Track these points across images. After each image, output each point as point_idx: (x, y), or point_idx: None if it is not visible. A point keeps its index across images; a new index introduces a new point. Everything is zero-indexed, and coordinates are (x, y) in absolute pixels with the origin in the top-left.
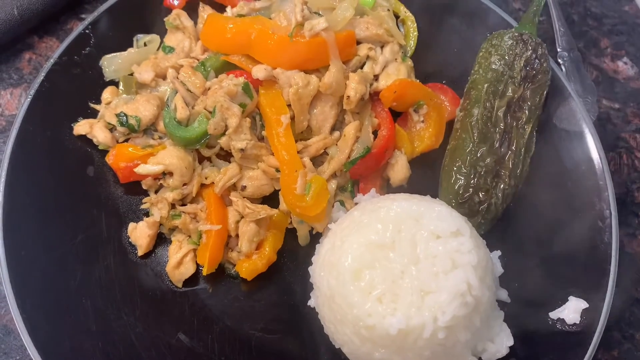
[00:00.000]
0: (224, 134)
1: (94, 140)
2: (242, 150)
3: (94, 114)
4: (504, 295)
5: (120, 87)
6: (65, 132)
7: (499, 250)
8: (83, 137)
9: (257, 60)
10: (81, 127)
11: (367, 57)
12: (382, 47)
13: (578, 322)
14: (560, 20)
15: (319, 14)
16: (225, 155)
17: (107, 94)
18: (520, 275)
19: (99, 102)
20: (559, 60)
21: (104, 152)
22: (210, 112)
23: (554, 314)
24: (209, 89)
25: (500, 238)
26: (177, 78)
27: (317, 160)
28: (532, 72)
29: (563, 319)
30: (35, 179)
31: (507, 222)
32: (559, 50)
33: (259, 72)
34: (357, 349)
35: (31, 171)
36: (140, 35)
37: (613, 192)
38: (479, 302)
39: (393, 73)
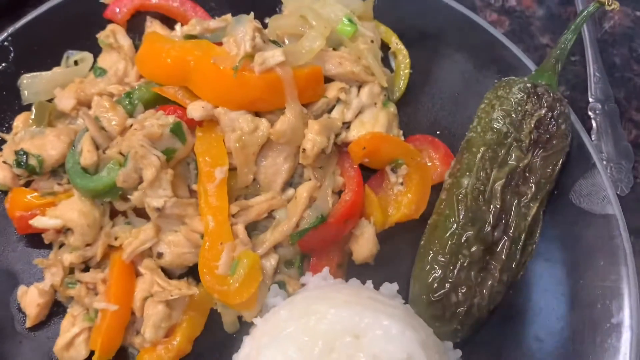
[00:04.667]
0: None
1: None
2: (158, 209)
3: (2, 145)
4: None
5: (32, 115)
6: None
7: None
8: None
9: (197, 95)
10: None
11: (338, 99)
12: (359, 87)
13: None
14: (596, 62)
15: (278, 44)
16: (146, 213)
17: (19, 121)
18: None
19: (11, 130)
20: (590, 114)
21: (6, 193)
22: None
23: None
24: (131, 126)
25: (480, 348)
26: (88, 112)
27: (261, 224)
28: (546, 136)
29: None
30: None
31: (492, 328)
32: (591, 100)
33: (194, 110)
34: None
35: None
36: (72, 52)
37: (638, 301)
38: None
39: (369, 121)
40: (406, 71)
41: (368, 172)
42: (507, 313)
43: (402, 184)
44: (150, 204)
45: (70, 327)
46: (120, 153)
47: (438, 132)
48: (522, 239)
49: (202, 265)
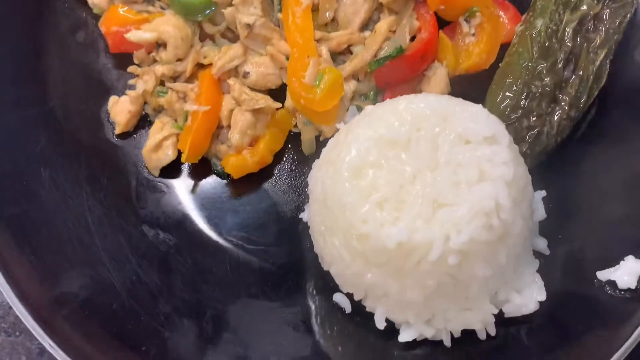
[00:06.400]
0: (231, 4)
1: (89, 2)
2: (249, 25)
3: None
4: (542, 244)
5: None
6: None
7: (543, 191)
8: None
9: None
10: None
11: None
12: None
13: (633, 288)
14: None
15: None
16: (233, 38)
17: None
18: (566, 225)
19: None
20: None
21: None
22: None
23: (602, 274)
24: None
25: (547, 177)
26: None
27: (339, 58)
28: None
29: (614, 282)
30: (16, 33)
31: (557, 160)
32: None
33: None
34: (347, 267)
35: (13, 24)
36: None
37: None
38: (508, 231)
39: None
40: None
41: (441, 25)
42: (571, 149)
43: (474, 35)
44: (241, 20)
45: (158, 131)
46: None
47: None
48: (589, 80)
49: (290, 74)
